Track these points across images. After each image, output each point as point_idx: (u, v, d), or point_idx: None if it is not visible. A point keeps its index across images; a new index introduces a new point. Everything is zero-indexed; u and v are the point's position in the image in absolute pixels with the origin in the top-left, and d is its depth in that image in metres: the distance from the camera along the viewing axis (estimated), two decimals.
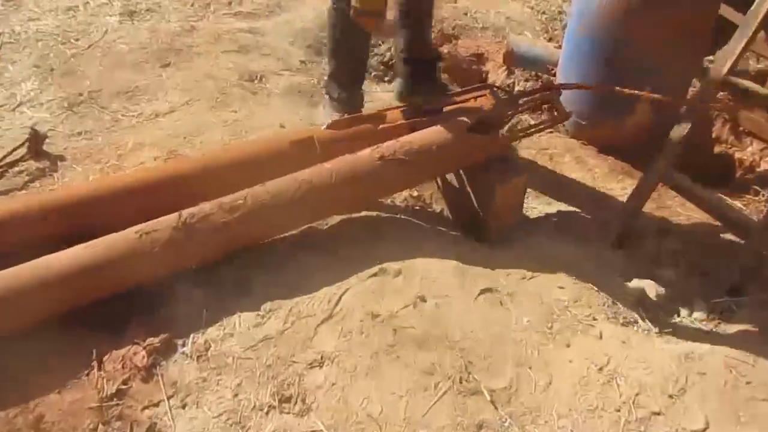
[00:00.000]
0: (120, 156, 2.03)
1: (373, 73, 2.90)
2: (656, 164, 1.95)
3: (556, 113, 1.94)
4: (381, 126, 1.83)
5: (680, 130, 1.92)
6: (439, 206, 2.03)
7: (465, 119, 1.83)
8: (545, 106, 2.12)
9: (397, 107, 1.93)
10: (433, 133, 1.77)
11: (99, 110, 2.27)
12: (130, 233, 1.46)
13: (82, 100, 2.30)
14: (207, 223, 1.49)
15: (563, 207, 2.16)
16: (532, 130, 1.91)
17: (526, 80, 2.94)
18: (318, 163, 1.67)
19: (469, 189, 1.81)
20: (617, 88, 1.79)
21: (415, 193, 2.01)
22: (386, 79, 2.95)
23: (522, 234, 1.92)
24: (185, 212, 1.49)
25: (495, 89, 1.91)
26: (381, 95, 2.71)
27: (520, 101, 1.90)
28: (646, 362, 1.37)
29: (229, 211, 1.52)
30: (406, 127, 1.84)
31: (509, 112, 1.89)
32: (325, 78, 2.16)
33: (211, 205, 1.52)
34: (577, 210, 2.04)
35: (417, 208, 2.00)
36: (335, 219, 1.76)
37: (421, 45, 1.77)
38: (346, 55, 2.02)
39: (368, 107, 2.47)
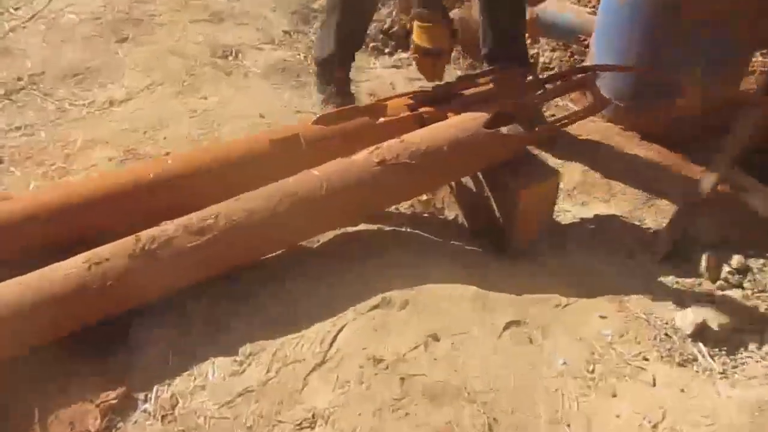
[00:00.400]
0: (67, 157, 1.93)
1: (371, 44, 2.79)
2: (716, 162, 1.84)
3: (590, 100, 1.80)
4: (381, 120, 1.74)
5: (745, 121, 1.79)
6: (452, 212, 1.96)
7: (483, 111, 1.75)
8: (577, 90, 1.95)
9: (401, 95, 1.84)
10: (446, 130, 1.67)
11: (42, 98, 2.16)
12: (78, 262, 1.35)
13: (22, 86, 2.19)
14: (171, 248, 1.39)
15: (601, 209, 2.10)
16: (563, 122, 1.78)
17: (553, 50, 2.86)
18: (305, 169, 1.59)
19: (488, 193, 1.75)
20: (662, 72, 1.65)
21: (424, 198, 1.94)
22: (386, 51, 2.82)
23: (552, 246, 1.85)
24: (144, 235, 1.39)
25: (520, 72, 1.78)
26: (381, 72, 2.62)
27: (547, 86, 1.82)
28: (710, 416, 1.27)
29: (198, 232, 1.42)
30: (412, 121, 1.75)
31: (536, 101, 1.75)
32: (319, 54, 2.07)
33: (175, 225, 1.42)
34: (619, 214, 1.99)
35: (426, 215, 1.93)
36: (327, 235, 1.69)
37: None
38: (356, 20, 2.01)
39: (366, 87, 2.49)
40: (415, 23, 1.71)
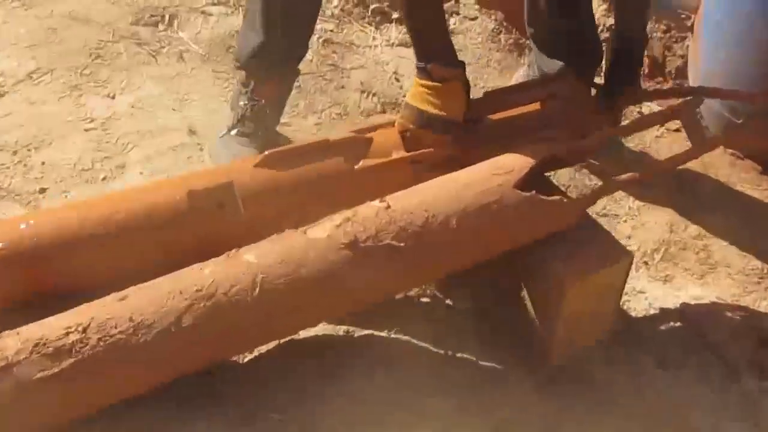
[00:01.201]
0: None
1: (371, 6, 2.62)
2: None
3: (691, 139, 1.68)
4: (360, 164, 1.58)
5: None
6: (461, 296, 1.77)
7: (520, 153, 1.56)
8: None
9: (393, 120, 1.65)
10: (457, 189, 1.48)
11: None
12: None
13: None
14: (8, 381, 1.19)
15: (694, 291, 1.96)
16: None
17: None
18: (233, 249, 1.41)
19: (520, 282, 1.64)
20: None
21: None
22: (394, 17, 2.64)
23: (614, 357, 1.71)
24: None
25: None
26: (382, 53, 2.48)
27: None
28: None
29: (53, 356, 1.21)
30: (407, 168, 1.59)
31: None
32: (241, 50, 1.93)
33: (18, 341, 1.22)
34: (721, 300, 1.92)
35: (424, 301, 1.76)
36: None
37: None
38: None
39: (355, 80, 2.31)
40: (418, 81, 1.56)
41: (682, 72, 2.68)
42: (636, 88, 1.81)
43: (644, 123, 1.81)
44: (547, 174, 1.71)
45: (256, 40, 1.84)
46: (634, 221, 2.14)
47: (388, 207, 1.45)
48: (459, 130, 1.56)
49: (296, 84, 2.08)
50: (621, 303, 1.81)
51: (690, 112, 1.68)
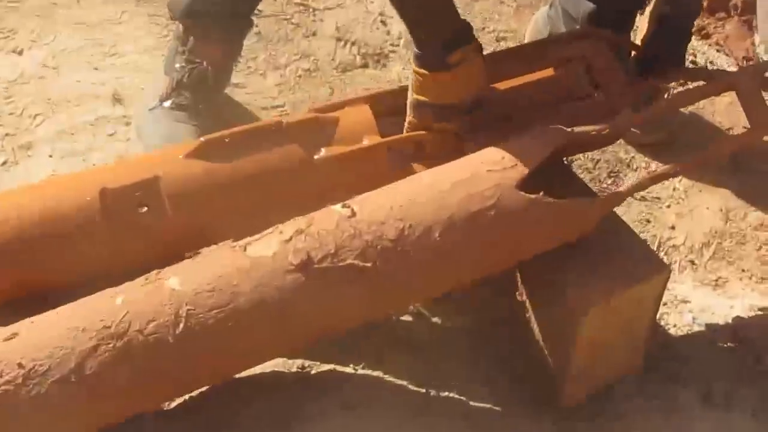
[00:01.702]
0: None
1: None
2: None
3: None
4: (321, 153, 1.55)
5: None
6: (451, 311, 1.76)
7: (528, 142, 1.51)
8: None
9: (372, 95, 1.64)
10: (444, 191, 1.44)
11: None
12: None
13: None
14: None
15: (753, 299, 1.94)
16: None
17: None
18: (153, 271, 1.38)
19: (525, 300, 1.65)
20: None
21: None
22: None
23: (647, 389, 1.69)
24: None
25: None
26: None
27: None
28: None
29: None
30: (384, 158, 1.57)
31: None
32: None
33: None
34: None
35: (403, 320, 1.77)
36: None
37: None
38: None
39: (329, 25, 2.27)
40: (423, 72, 1.52)
41: (749, 7, 2.61)
42: (681, 67, 1.74)
43: (688, 98, 1.73)
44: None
45: None
46: (679, 206, 2.11)
47: (353, 215, 1.41)
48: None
49: (254, 29, 2.00)
50: (658, 318, 1.80)
51: (750, 83, 1.61)
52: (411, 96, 1.55)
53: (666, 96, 2.16)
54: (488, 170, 1.47)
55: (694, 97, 1.74)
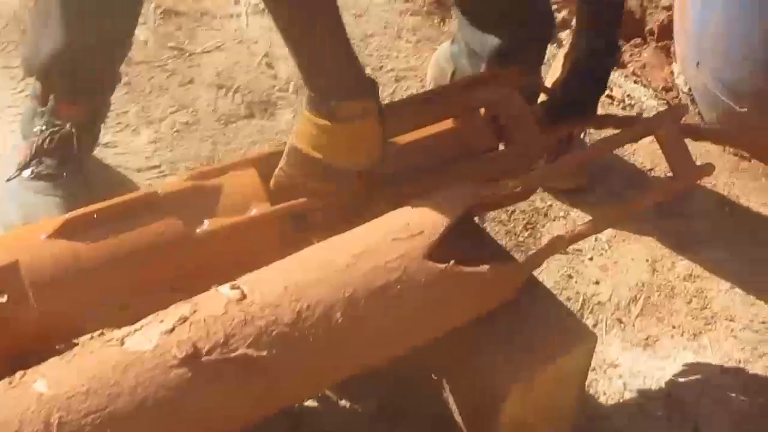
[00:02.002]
0: None
1: None
2: None
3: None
4: (205, 226, 1.53)
5: None
6: (364, 393, 1.78)
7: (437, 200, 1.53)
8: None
9: (257, 157, 1.61)
10: (341, 264, 1.44)
11: None
12: None
13: None
14: None
15: (686, 357, 1.98)
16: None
17: None
18: (20, 370, 1.34)
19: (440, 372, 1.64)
20: None
21: None
22: None
23: None
24: None
25: None
26: (249, 27, 2.43)
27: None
28: None
29: None
30: (277, 231, 1.56)
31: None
32: (29, 56, 1.87)
33: None
34: (726, 369, 1.94)
35: (307, 405, 1.77)
36: None
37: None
38: None
39: None
40: (310, 117, 1.44)
41: (667, 30, 2.68)
42: (594, 114, 1.78)
43: (607, 146, 1.77)
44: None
45: (55, 39, 1.74)
46: (603, 258, 2.15)
47: (243, 297, 1.39)
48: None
49: (123, 79, 1.98)
50: (586, 385, 1.82)
51: (670, 129, 1.66)
52: (292, 141, 1.50)
53: (582, 136, 2.21)
54: (393, 239, 1.47)
55: (612, 146, 1.78)
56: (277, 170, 1.53)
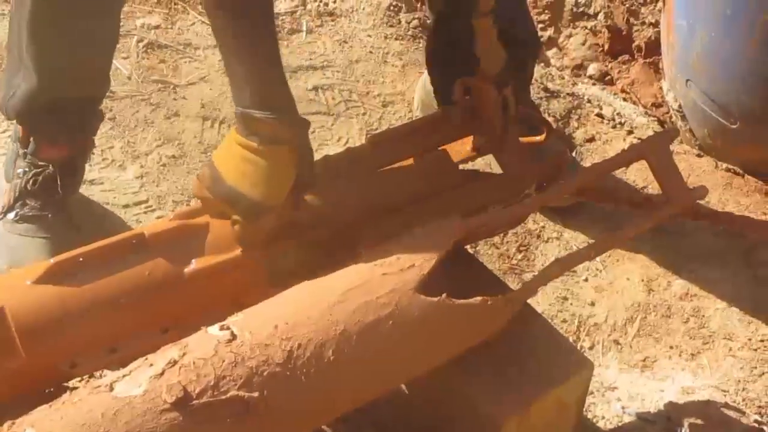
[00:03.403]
0: None
1: None
2: None
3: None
4: (192, 266, 1.51)
5: None
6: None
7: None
8: None
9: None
10: (331, 302, 1.44)
11: None
12: None
13: None
14: None
15: (684, 380, 1.97)
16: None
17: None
18: (8, 420, 1.32)
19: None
20: None
21: None
22: None
23: None
24: None
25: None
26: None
27: None
28: None
29: None
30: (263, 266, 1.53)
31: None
32: (9, 90, 1.84)
33: None
34: (725, 391, 1.93)
35: None
36: None
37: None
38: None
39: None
40: (234, 137, 1.41)
41: (653, 47, 2.68)
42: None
43: (598, 171, 1.76)
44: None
45: (28, 80, 1.73)
46: (598, 279, 2.15)
47: (233, 338, 1.38)
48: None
49: (107, 114, 1.97)
50: (584, 409, 1.81)
51: (660, 152, 1.67)
52: (213, 157, 1.45)
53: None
54: (383, 273, 1.47)
55: (603, 171, 1.77)
56: (193, 181, 1.50)
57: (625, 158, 1.75)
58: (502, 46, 1.84)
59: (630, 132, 2.50)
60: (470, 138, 1.75)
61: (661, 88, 2.66)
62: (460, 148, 1.76)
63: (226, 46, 1.41)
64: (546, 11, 2.90)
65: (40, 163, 1.78)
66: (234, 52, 1.40)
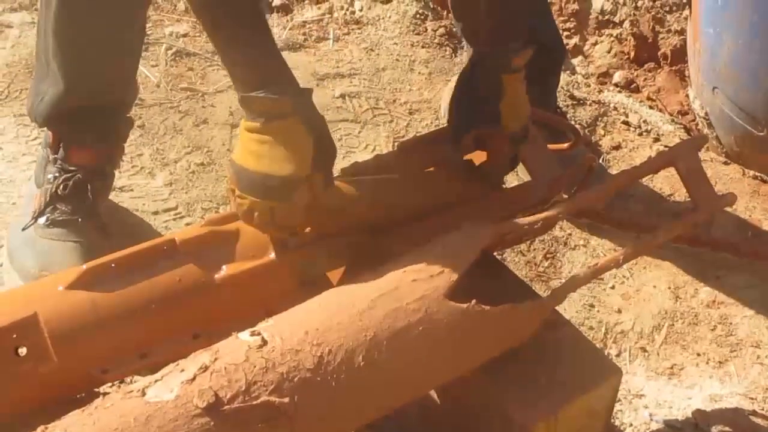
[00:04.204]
0: None
1: None
2: None
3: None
4: (223, 272, 1.51)
5: None
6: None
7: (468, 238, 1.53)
8: None
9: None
10: (361, 308, 1.43)
11: None
12: None
13: None
14: None
15: (712, 388, 1.96)
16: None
17: None
18: (41, 426, 1.30)
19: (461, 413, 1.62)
20: None
21: None
22: (276, 3, 2.68)
23: None
24: None
25: None
26: None
27: None
28: None
29: None
30: (288, 275, 1.53)
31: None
32: (33, 104, 1.84)
33: None
34: (754, 398, 1.92)
35: None
36: None
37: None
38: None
39: None
40: (244, 125, 1.40)
41: (679, 54, 2.66)
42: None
43: (626, 178, 1.73)
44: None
45: (56, 86, 1.74)
46: (625, 287, 2.13)
47: (264, 344, 1.37)
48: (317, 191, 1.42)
49: (136, 122, 1.97)
50: (611, 419, 1.79)
51: (689, 159, 1.65)
52: (230, 156, 1.44)
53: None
54: (412, 280, 1.46)
55: (631, 178, 1.76)
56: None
57: (654, 165, 1.73)
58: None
59: (656, 139, 2.49)
60: None
61: (687, 95, 2.64)
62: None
63: (213, 36, 1.39)
64: (571, 19, 2.89)
65: (70, 168, 1.78)
66: (222, 40, 1.38)
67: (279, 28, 2.59)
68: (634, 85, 2.75)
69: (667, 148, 2.26)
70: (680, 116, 2.66)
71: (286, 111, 1.37)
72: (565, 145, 1.81)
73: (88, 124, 1.78)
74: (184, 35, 2.44)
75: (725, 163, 2.44)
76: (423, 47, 2.58)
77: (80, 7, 1.68)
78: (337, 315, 1.43)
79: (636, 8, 2.81)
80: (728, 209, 2.30)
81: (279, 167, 1.39)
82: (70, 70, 1.73)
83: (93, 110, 1.78)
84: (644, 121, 2.52)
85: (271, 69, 1.39)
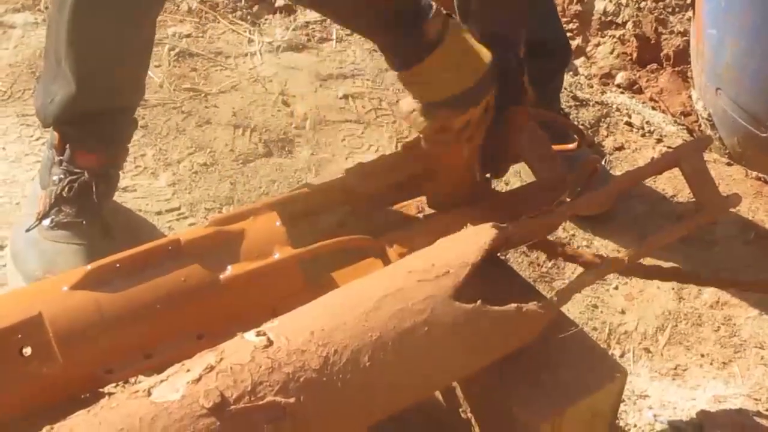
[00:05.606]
0: None
1: None
2: None
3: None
4: (228, 272, 1.52)
5: None
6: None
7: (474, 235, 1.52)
8: None
9: (278, 200, 1.61)
10: (367, 307, 1.43)
11: None
12: None
13: None
14: None
15: (716, 389, 1.95)
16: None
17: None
18: (46, 426, 1.29)
19: (465, 412, 1.63)
20: None
21: None
22: (279, 4, 2.68)
23: None
24: None
25: None
26: (263, 64, 2.38)
27: None
28: None
29: None
30: (295, 275, 1.54)
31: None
32: (42, 104, 1.85)
33: None
34: (758, 399, 1.92)
35: None
36: None
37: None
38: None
39: None
40: (404, 76, 1.48)
41: (682, 56, 2.66)
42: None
43: (630, 179, 1.73)
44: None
45: (65, 88, 1.72)
46: (628, 287, 2.12)
47: (269, 344, 1.36)
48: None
49: (140, 122, 1.97)
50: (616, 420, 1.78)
51: (694, 160, 1.63)
52: (411, 106, 1.52)
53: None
54: (418, 280, 1.45)
55: (635, 179, 1.75)
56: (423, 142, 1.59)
57: (658, 166, 1.73)
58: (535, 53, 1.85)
59: (659, 140, 2.48)
60: None
61: (689, 96, 2.64)
62: None
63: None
64: (574, 20, 2.88)
65: (75, 170, 1.78)
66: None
67: (282, 28, 2.58)
68: (637, 86, 2.75)
69: (669, 149, 2.25)
70: (683, 117, 2.66)
71: (439, 29, 1.44)
72: (570, 146, 1.80)
73: (95, 126, 1.78)
74: (187, 36, 2.44)
75: (728, 165, 2.44)
76: None
77: (94, 14, 1.68)
78: (343, 315, 1.42)
79: (639, 9, 2.81)
80: (732, 211, 2.30)
81: (451, 74, 1.47)
82: (82, 73, 1.73)
83: (102, 112, 1.77)
84: (647, 122, 2.51)
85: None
